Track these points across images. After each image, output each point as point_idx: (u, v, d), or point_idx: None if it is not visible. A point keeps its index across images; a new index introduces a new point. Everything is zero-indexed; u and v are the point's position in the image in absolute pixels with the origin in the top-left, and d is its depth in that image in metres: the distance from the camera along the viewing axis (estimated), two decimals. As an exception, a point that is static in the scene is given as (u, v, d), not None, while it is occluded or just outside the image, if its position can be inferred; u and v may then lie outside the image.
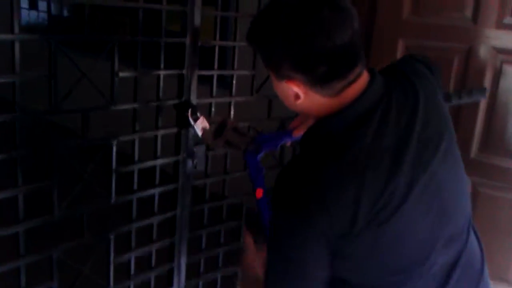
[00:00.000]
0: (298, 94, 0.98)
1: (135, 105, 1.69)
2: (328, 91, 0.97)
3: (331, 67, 0.93)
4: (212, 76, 1.90)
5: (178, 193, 1.88)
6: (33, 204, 1.52)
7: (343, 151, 0.95)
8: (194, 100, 1.82)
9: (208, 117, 1.76)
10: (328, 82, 0.95)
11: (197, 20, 1.75)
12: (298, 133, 1.41)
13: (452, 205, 1.05)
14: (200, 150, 1.91)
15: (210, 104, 1.92)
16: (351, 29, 0.93)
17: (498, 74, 2.05)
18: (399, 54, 2.18)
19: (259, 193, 1.42)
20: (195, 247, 2.00)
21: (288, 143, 1.53)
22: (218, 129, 1.54)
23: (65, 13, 4.89)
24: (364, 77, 0.99)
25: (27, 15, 5.11)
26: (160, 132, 1.78)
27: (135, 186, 1.75)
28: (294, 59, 0.93)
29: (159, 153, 1.80)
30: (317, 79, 0.95)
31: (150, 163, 1.78)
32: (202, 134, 1.66)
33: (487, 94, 1.74)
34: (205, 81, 1.89)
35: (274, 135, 1.54)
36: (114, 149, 1.63)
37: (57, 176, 1.49)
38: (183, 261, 1.96)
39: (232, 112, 1.99)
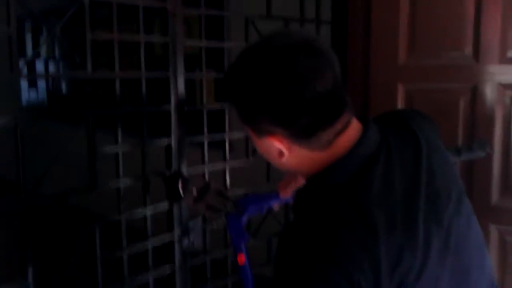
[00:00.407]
0: (281, 151, 0.89)
1: (120, 184, 1.55)
2: (317, 144, 0.87)
3: (314, 117, 0.84)
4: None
5: (176, 276, 1.70)
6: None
7: (351, 208, 0.83)
8: (184, 170, 1.68)
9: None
10: (314, 134, 0.86)
11: (181, 86, 1.64)
12: (286, 195, 1.36)
13: (473, 260, 0.97)
14: (196, 224, 1.75)
15: (203, 175, 1.78)
16: (331, 74, 0.85)
17: (508, 111, 1.91)
18: (399, 100, 2.06)
19: (241, 259, 1.35)
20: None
21: (276, 206, 1.46)
22: (200, 193, 1.45)
23: (64, 90, 4.89)
24: (355, 125, 0.90)
25: (27, 94, 5.15)
26: (149, 211, 1.63)
27: (125, 272, 1.58)
28: (272, 113, 0.84)
29: (149, 232, 1.64)
30: (301, 132, 0.86)
31: (140, 246, 1.62)
32: (184, 199, 1.57)
33: (487, 150, 1.64)
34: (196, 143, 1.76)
35: (260, 197, 1.46)
36: (98, 235, 1.47)
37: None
38: None
39: (227, 178, 1.84)
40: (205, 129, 1.76)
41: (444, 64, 1.98)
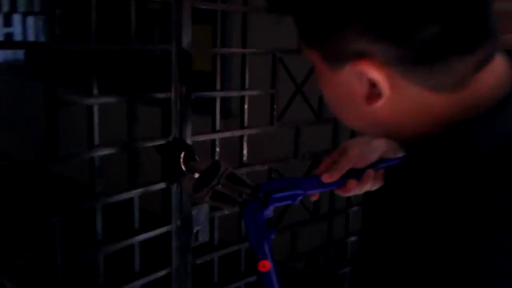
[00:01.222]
0: (376, 90, 0.54)
1: (94, 154, 1.07)
2: (443, 79, 0.53)
3: (448, 27, 0.50)
4: (210, 102, 1.28)
5: (172, 281, 1.23)
6: None
7: None
8: (188, 138, 1.20)
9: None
10: (443, 58, 0.51)
11: (188, 23, 1.15)
12: (330, 178, 0.95)
13: None
14: (201, 213, 1.28)
15: (213, 143, 1.29)
16: None
17: None
18: None
19: (265, 266, 0.94)
20: None
21: (315, 195, 1.00)
22: (204, 177, 1.00)
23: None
24: (502, 64, 0.56)
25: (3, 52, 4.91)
26: (136, 194, 1.15)
27: (101, 279, 1.10)
28: (370, 14, 0.50)
29: (137, 222, 1.16)
30: (420, 54, 0.51)
31: (129, 242, 1.14)
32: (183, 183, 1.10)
33: None
34: (198, 109, 1.28)
35: (291, 182, 0.98)
36: (58, 230, 1.00)
37: None
38: None
39: (245, 151, 1.36)
40: (218, 78, 1.27)
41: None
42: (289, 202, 0.98)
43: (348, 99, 0.58)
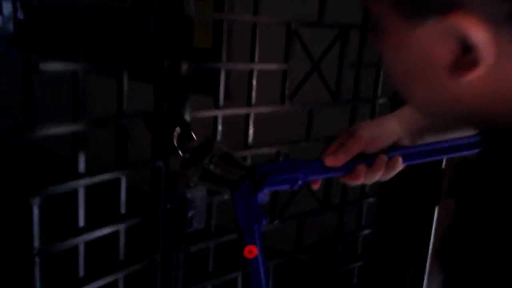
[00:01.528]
0: (471, 56, 0.40)
1: (76, 127, 0.95)
2: None
3: None
4: (211, 81, 1.14)
5: (159, 269, 1.12)
6: None
7: None
8: (187, 114, 1.08)
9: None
10: None
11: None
12: (335, 163, 0.82)
13: None
14: (198, 195, 1.16)
15: (215, 120, 1.16)
16: None
17: None
18: None
19: (251, 251, 0.86)
20: None
21: (316, 184, 0.88)
22: (194, 155, 0.90)
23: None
24: None
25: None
26: (124, 172, 1.03)
27: (81, 274, 1.00)
28: None
29: (123, 206, 1.05)
30: None
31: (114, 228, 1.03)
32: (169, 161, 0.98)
33: None
34: (197, 89, 1.15)
35: (291, 164, 0.86)
36: (36, 212, 0.89)
37: None
38: None
39: (251, 132, 1.23)
40: (224, 48, 1.13)
41: None
42: (286, 186, 0.86)
43: (424, 67, 0.45)
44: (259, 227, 0.86)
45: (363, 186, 1.54)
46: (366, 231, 1.57)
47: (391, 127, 0.83)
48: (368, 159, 0.81)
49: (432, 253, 1.51)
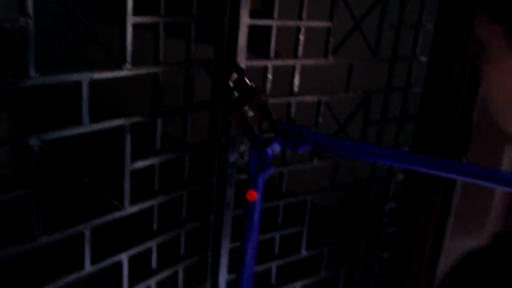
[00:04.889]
0: None
1: (154, 69, 1.17)
2: None
3: None
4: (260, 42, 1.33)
5: (214, 191, 1.36)
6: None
7: None
8: (242, 62, 1.27)
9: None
10: None
11: None
12: None
13: None
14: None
15: (265, 70, 1.35)
16: None
17: None
18: None
19: (252, 195, 1.07)
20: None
21: None
22: (239, 99, 1.10)
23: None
24: None
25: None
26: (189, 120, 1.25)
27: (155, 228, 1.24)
28: None
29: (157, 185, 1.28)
30: None
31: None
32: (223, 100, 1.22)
33: None
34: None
35: (303, 132, 1.05)
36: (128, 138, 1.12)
37: (38, 182, 0.99)
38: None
39: (297, 81, 1.42)
40: (276, 7, 1.31)
41: None
42: (292, 147, 1.06)
43: None
44: (263, 175, 1.07)
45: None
46: (400, 176, 1.74)
47: None
48: None
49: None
